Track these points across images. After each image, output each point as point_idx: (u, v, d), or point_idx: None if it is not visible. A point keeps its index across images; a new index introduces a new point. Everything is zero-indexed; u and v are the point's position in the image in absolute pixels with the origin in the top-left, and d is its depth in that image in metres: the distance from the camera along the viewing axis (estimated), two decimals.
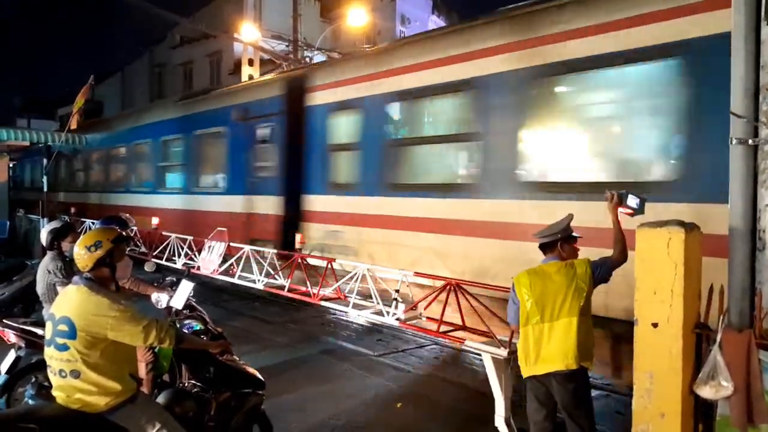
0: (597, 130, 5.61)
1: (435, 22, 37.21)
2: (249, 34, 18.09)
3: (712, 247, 3.45)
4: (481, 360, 5.02)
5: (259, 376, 3.81)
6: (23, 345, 4.55)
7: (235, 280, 8.37)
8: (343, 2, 24.66)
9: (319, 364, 6.55)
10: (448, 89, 6.56)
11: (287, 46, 18.60)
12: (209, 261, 8.91)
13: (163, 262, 9.73)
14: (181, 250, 9.82)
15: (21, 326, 4.61)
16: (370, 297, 6.36)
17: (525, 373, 3.67)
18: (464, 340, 5.02)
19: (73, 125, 12.27)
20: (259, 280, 7.96)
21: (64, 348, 2.78)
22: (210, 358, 3.67)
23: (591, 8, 5.31)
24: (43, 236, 4.82)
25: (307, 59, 18.01)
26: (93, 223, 10.72)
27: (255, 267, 8.05)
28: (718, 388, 2.98)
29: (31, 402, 2.99)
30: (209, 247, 9.06)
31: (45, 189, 13.48)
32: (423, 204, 6.67)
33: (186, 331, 4.21)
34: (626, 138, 5.45)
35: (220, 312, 8.44)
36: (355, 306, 6.50)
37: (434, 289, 5.64)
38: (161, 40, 31.73)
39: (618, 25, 5.01)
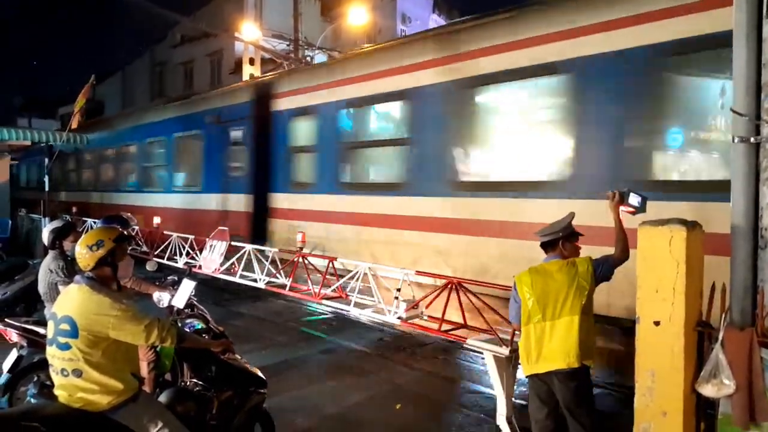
0: (506, 135, 6.41)
1: (436, 20, 37.15)
2: (250, 33, 18.03)
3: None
4: (483, 358, 5.02)
5: (261, 375, 3.82)
6: (25, 344, 4.56)
7: (237, 279, 8.39)
8: (344, 1, 24.58)
9: (320, 363, 6.55)
10: (389, 98, 7.48)
11: (288, 45, 18.57)
12: (210, 260, 8.92)
13: (164, 261, 9.75)
14: (182, 249, 9.85)
15: (23, 325, 4.62)
16: (371, 295, 6.38)
17: (526, 371, 3.66)
18: (466, 338, 5.02)
19: (74, 125, 12.29)
20: (260, 279, 7.97)
21: (66, 347, 2.78)
22: (212, 356, 3.67)
23: (492, 30, 6.26)
24: (45, 236, 4.83)
25: (308, 58, 17.99)
26: (94, 223, 10.74)
27: (256, 266, 8.08)
28: (719, 387, 2.98)
29: (33, 401, 2.99)
30: (210, 246, 9.08)
31: (46, 188, 13.49)
32: (370, 201, 7.56)
33: (187, 330, 4.21)
34: (529, 141, 6.13)
35: (222, 311, 8.44)
36: (357, 305, 6.51)
37: (435, 288, 5.66)
38: (162, 40, 31.72)
39: (510, 46, 5.95)
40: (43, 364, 3.59)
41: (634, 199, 3.68)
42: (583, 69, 5.29)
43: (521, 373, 3.90)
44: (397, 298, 5.92)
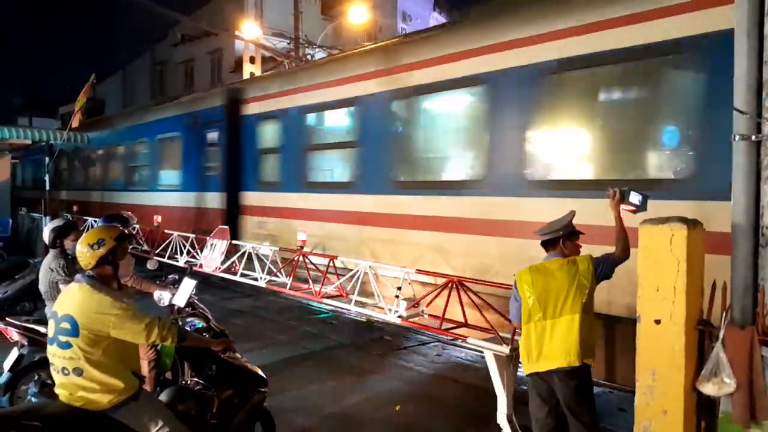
0: (436, 139, 7.26)
1: (436, 18, 37.03)
2: (250, 31, 18.04)
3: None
4: (483, 357, 5.02)
5: (261, 374, 3.82)
6: (26, 343, 4.57)
7: (238, 278, 8.39)
8: None
9: (320, 362, 6.55)
10: (341, 105, 8.16)
11: (288, 43, 18.56)
12: (211, 259, 8.93)
13: (165, 260, 9.75)
14: (183, 248, 9.85)
15: (24, 324, 4.62)
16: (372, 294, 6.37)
17: (527, 370, 3.66)
18: (466, 337, 5.02)
19: (75, 123, 12.31)
20: (261, 278, 7.97)
21: (66, 346, 2.79)
22: (212, 355, 3.67)
23: (422, 46, 6.99)
24: (46, 234, 4.83)
25: (309, 56, 17.99)
26: (95, 221, 10.75)
27: (257, 264, 8.08)
28: (720, 385, 2.98)
29: (34, 399, 2.99)
30: (211, 245, 9.09)
31: (47, 187, 13.50)
32: (328, 199, 8.24)
33: (188, 328, 4.21)
34: (457, 145, 6.98)
35: (222, 310, 8.45)
36: (357, 303, 6.51)
37: (435, 287, 5.66)
38: (162, 38, 31.68)
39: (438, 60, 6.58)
40: (44, 363, 3.60)
41: (634, 198, 3.67)
42: (497, 81, 5.96)
43: (522, 372, 3.90)
44: (397, 296, 5.92)
